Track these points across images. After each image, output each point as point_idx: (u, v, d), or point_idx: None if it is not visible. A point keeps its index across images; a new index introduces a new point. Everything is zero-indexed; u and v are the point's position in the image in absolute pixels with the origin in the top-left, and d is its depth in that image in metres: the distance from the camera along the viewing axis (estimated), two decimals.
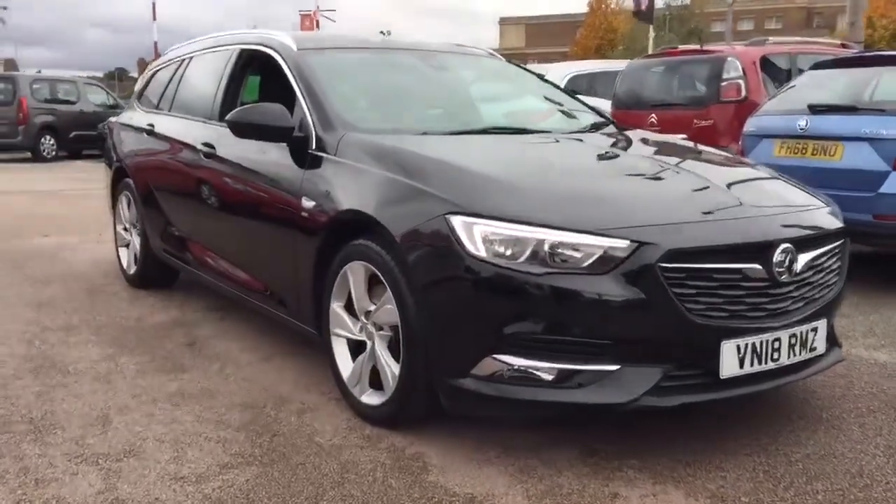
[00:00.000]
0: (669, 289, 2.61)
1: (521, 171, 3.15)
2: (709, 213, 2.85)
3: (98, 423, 3.21)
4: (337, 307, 3.30)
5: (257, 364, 3.90)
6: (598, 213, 2.75)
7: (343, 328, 3.29)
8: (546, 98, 4.61)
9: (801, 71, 7.14)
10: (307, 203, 3.40)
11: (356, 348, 3.29)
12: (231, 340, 4.26)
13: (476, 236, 2.70)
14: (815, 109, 5.57)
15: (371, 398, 3.16)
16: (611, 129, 4.22)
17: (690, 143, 4.13)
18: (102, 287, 5.51)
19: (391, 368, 3.02)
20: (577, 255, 2.62)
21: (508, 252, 2.66)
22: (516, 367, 2.67)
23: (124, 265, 5.63)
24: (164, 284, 5.35)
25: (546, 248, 2.63)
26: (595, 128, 4.19)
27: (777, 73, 7.90)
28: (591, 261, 2.61)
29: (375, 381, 3.16)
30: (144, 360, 3.97)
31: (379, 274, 3.02)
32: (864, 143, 5.16)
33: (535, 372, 2.67)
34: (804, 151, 5.56)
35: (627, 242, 2.62)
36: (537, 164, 3.34)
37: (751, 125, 6.12)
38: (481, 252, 2.68)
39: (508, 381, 2.71)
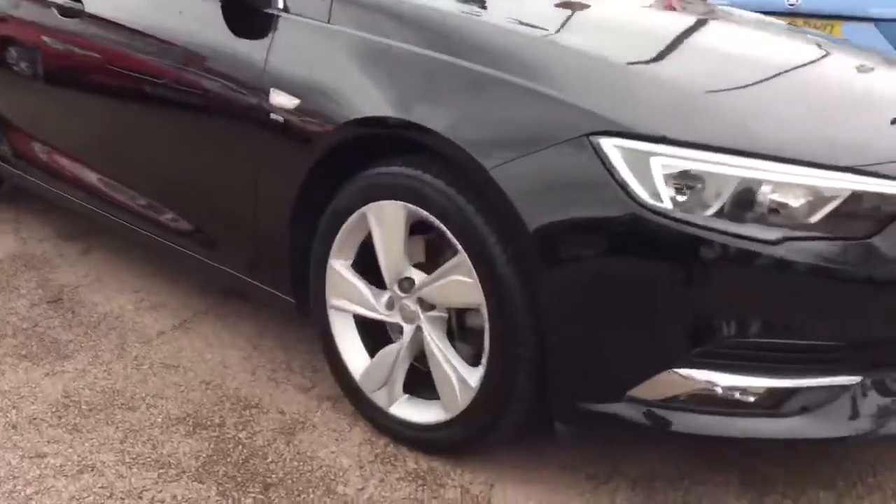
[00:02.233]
0: None
1: (708, 69, 2.05)
2: None
3: None
4: (341, 267, 2.11)
5: (174, 334, 2.62)
6: (852, 141, 1.73)
7: (353, 300, 2.11)
8: None
9: None
10: (281, 100, 2.11)
11: (372, 332, 2.15)
12: (117, 291, 2.90)
13: (654, 173, 1.61)
14: None
15: (414, 412, 2.04)
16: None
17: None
18: None
19: (459, 372, 1.91)
20: (830, 206, 1.61)
21: (712, 202, 1.60)
22: (717, 386, 1.67)
23: None
24: None
25: (779, 196, 1.60)
26: None
27: None
28: (859, 215, 1.62)
29: (412, 385, 2.06)
30: None
31: (440, 225, 1.85)
32: (868, 25, 4.44)
33: (733, 393, 1.68)
34: None
35: None
36: (730, 61, 2.19)
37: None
38: (663, 200, 1.60)
39: (687, 408, 1.71)
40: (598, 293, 1.67)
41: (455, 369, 1.91)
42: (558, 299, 1.70)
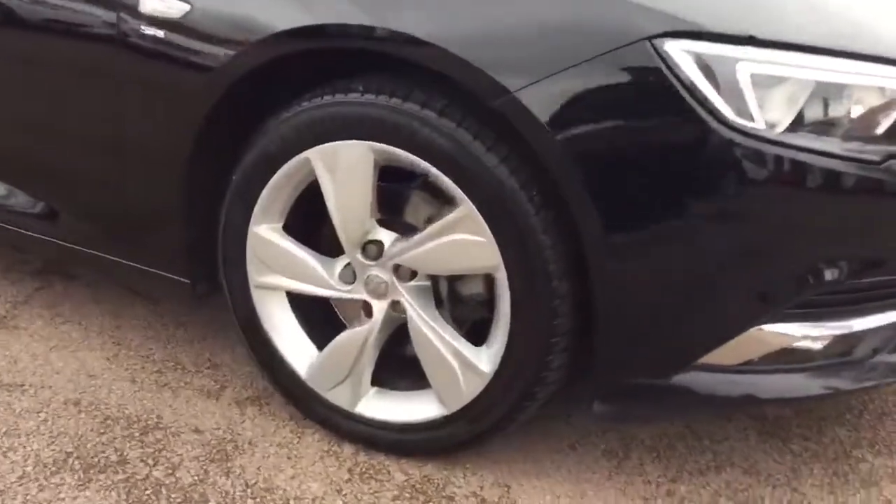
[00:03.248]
0: None
1: None
2: None
3: None
4: (269, 233, 1.57)
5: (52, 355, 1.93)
6: None
7: (291, 274, 1.59)
8: None
9: None
10: (157, 5, 1.50)
11: (308, 314, 1.65)
12: None
13: (742, 85, 1.25)
14: None
15: (390, 409, 1.58)
16: None
17: None
18: None
19: (464, 355, 1.48)
20: None
21: (816, 116, 1.28)
22: (799, 339, 1.38)
23: None
24: None
25: None
26: None
27: None
28: None
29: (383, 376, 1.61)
30: None
31: (430, 169, 1.39)
32: None
33: (808, 344, 1.41)
34: None
35: None
36: None
37: None
38: (754, 119, 1.25)
39: (765, 369, 1.42)
40: (671, 241, 1.31)
41: (458, 352, 1.48)
42: (617, 254, 1.32)
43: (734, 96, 1.25)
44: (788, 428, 1.78)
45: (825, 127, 1.27)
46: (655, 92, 1.26)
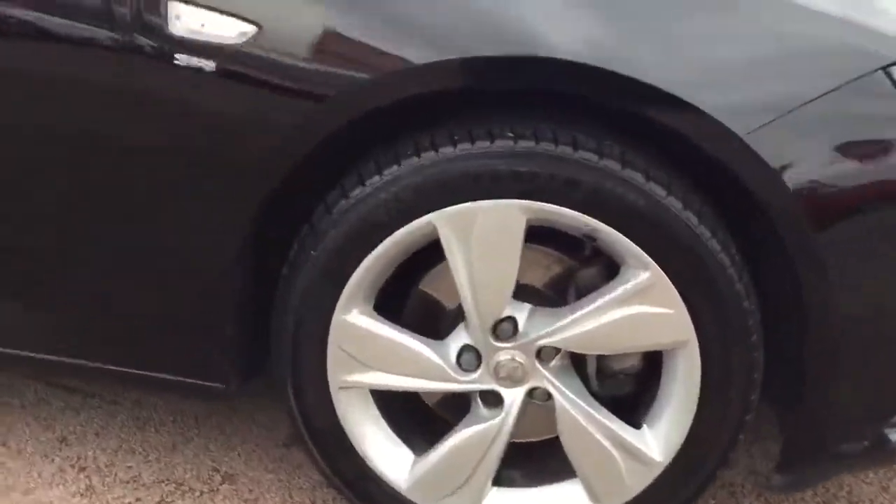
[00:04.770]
0: None
1: None
2: None
3: None
4: (360, 318, 1.20)
5: None
6: None
7: (393, 367, 1.23)
8: None
9: None
10: (193, 20, 1.07)
11: (398, 412, 1.31)
12: None
13: None
14: None
15: None
16: None
17: None
18: None
19: (628, 443, 1.22)
20: None
21: None
22: None
23: None
24: None
25: None
26: None
27: None
28: None
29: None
30: None
31: (605, 231, 1.12)
32: None
33: None
34: None
35: None
36: None
37: None
38: None
39: None
40: None
41: (618, 438, 1.23)
42: (846, 312, 1.13)
43: None
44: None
45: None
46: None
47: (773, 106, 1.06)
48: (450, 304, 1.28)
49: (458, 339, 1.24)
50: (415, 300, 1.30)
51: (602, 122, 1.12)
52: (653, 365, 1.26)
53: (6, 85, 1.17)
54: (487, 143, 1.11)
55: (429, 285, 1.29)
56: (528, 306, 1.22)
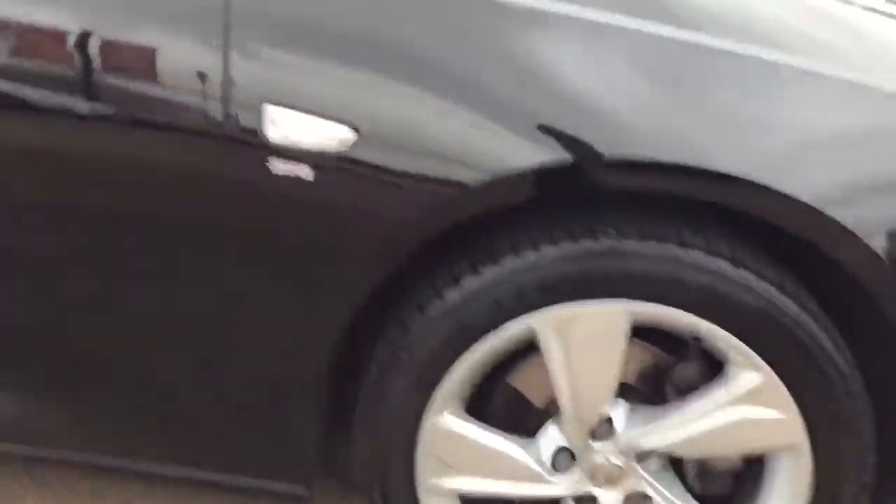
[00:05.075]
0: None
1: None
2: None
3: None
4: (452, 421, 1.15)
5: None
6: None
7: (483, 470, 1.17)
8: None
9: None
10: (290, 130, 1.02)
11: None
12: None
13: None
14: None
15: None
16: None
17: None
18: None
19: None
20: None
21: None
22: None
23: None
24: None
25: None
26: None
27: None
28: None
29: None
30: None
31: (718, 334, 1.07)
32: None
33: None
34: None
35: None
36: None
37: None
38: None
39: None
40: None
41: None
42: None
43: None
44: None
45: None
46: None
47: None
48: (538, 401, 1.23)
49: (549, 437, 1.19)
50: (500, 395, 1.24)
51: (702, 217, 1.08)
52: (751, 461, 1.20)
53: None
54: (592, 242, 1.06)
55: (517, 380, 1.23)
56: (625, 404, 1.17)
